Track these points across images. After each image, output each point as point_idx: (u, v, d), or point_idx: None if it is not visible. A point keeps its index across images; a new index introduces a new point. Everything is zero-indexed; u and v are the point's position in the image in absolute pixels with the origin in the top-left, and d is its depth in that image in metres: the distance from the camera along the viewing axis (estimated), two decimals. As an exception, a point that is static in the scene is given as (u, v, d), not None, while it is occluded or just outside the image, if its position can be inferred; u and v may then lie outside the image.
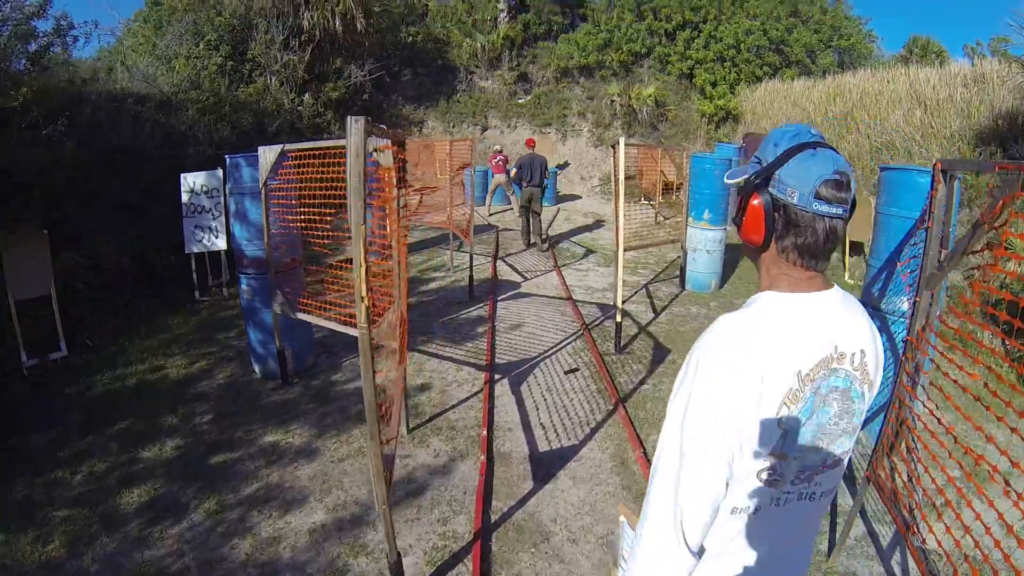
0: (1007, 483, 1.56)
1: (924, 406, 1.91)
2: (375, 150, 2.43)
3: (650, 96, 14.33)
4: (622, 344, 5.12)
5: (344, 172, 2.66)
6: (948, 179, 2.05)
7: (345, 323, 3.51)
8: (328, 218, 3.81)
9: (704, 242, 6.86)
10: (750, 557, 1.06)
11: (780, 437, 0.97)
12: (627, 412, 3.95)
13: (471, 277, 6.67)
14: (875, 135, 9.16)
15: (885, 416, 2.14)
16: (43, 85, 6.21)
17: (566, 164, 15.20)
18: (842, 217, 0.97)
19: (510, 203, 11.63)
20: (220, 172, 6.25)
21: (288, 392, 4.29)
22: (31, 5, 6.08)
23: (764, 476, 0.99)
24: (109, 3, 21.77)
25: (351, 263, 3.01)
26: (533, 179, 8.89)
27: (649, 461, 2.74)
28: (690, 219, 6.88)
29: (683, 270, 7.10)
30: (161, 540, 2.75)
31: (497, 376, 4.54)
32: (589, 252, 9.27)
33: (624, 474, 3.28)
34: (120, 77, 9.44)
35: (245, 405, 4.09)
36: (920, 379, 2.03)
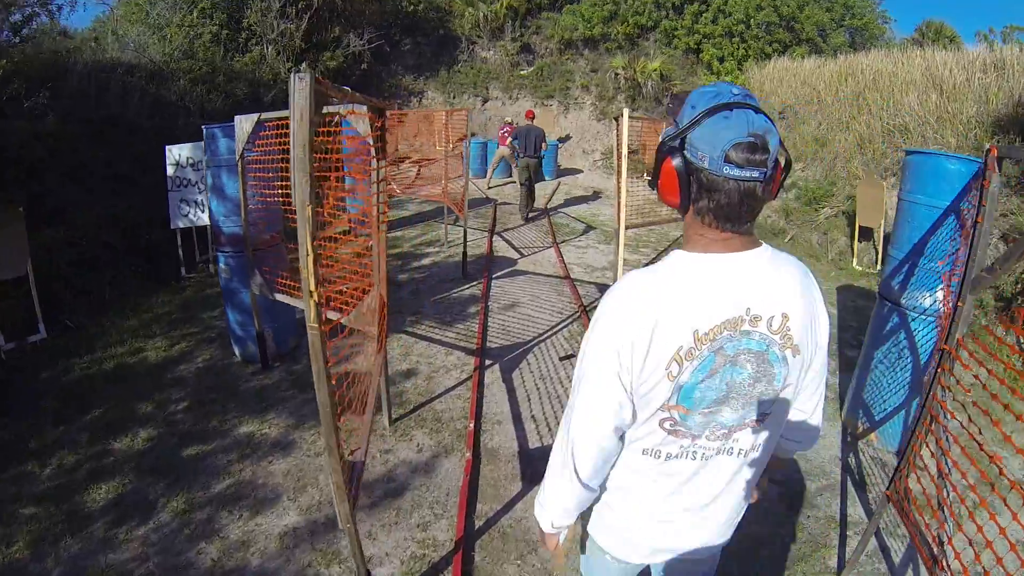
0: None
1: (963, 427, 1.68)
2: (339, 115, 2.16)
3: (655, 70, 13.83)
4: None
5: (328, 142, 2.41)
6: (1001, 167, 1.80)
7: (327, 307, 3.26)
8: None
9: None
10: (652, 494, 1.13)
11: (672, 390, 1.00)
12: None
13: (464, 253, 6.42)
14: (888, 117, 8.82)
15: (914, 432, 1.92)
16: (26, 56, 5.88)
17: (568, 137, 14.80)
18: (759, 180, 0.94)
19: (512, 176, 11.49)
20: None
21: (268, 377, 4.07)
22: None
23: (667, 425, 1.04)
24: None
25: (334, 240, 2.78)
26: (528, 150, 8.87)
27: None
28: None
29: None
30: (126, 543, 2.55)
31: (488, 362, 4.32)
32: (589, 228, 9.03)
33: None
34: (110, 47, 9.08)
35: (223, 392, 3.87)
36: (958, 395, 1.80)
